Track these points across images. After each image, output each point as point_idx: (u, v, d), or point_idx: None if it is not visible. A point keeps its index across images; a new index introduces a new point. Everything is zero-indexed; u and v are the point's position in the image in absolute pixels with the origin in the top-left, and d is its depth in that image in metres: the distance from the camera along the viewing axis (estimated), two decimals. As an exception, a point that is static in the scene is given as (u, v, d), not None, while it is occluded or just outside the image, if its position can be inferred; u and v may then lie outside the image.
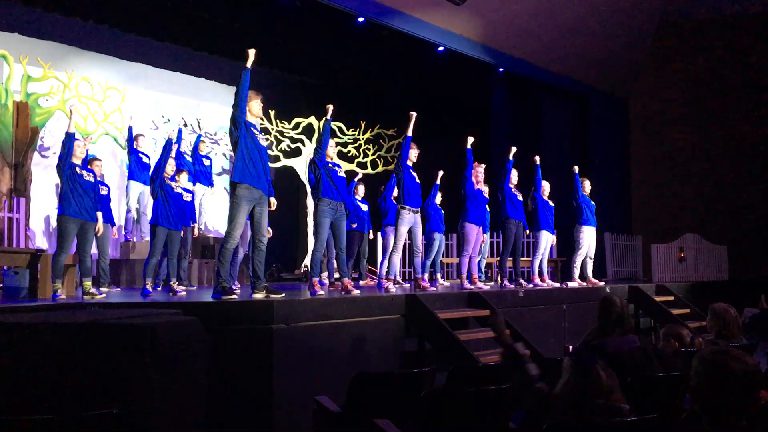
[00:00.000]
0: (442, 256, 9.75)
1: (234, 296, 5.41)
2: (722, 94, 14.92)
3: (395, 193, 8.42)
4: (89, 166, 6.96)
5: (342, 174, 6.85)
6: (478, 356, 5.89)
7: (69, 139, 6.41)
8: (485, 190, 8.63)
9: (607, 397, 2.71)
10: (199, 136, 10.24)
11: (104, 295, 6.40)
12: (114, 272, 8.80)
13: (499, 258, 9.17)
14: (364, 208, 9.27)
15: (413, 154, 7.61)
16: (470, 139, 8.11)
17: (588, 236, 9.25)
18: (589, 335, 4.08)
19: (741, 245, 13.72)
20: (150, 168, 9.00)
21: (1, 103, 9.26)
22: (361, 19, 10.18)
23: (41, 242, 9.69)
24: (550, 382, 3.00)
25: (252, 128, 5.66)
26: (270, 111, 12.22)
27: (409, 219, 7.36)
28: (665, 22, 14.92)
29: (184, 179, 8.15)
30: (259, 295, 5.55)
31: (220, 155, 12.43)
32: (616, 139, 15.16)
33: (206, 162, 10.19)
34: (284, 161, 12.66)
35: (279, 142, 12.58)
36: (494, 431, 3.27)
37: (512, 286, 8.49)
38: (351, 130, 13.23)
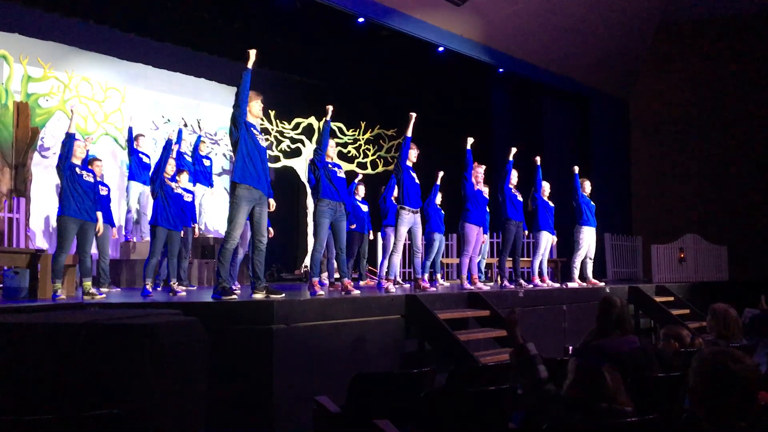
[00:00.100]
0: (442, 257, 9.76)
1: (234, 296, 5.41)
2: (722, 94, 14.93)
3: (395, 193, 8.43)
4: (89, 167, 6.96)
5: (342, 175, 6.86)
6: (478, 356, 5.89)
7: (69, 140, 6.42)
8: (485, 190, 8.63)
9: (613, 399, 2.70)
10: (199, 136, 10.25)
11: (104, 296, 6.40)
12: (114, 272, 8.80)
13: (498, 258, 9.17)
14: (364, 208, 9.27)
15: (413, 154, 7.61)
16: (470, 140, 8.11)
17: (588, 237, 9.25)
18: (589, 336, 4.08)
19: (741, 246, 13.72)
20: (150, 168, 9.00)
21: (1, 104, 9.27)
22: (361, 20, 10.18)
23: (41, 242, 9.69)
24: (557, 384, 2.99)
25: (252, 129, 5.66)
26: (270, 111, 12.22)
27: (409, 219, 7.37)
28: (665, 23, 14.93)
29: (184, 180, 8.16)
30: (259, 296, 5.55)
31: (220, 155, 12.43)
32: (616, 139, 15.17)
33: (206, 162, 10.19)
34: (284, 161, 12.66)
35: (279, 142, 12.58)
36: (494, 431, 3.27)
37: (512, 286, 8.49)
38: (351, 130, 13.23)
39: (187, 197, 8.22)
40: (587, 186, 9.39)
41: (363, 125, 13.26)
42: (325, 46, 11.18)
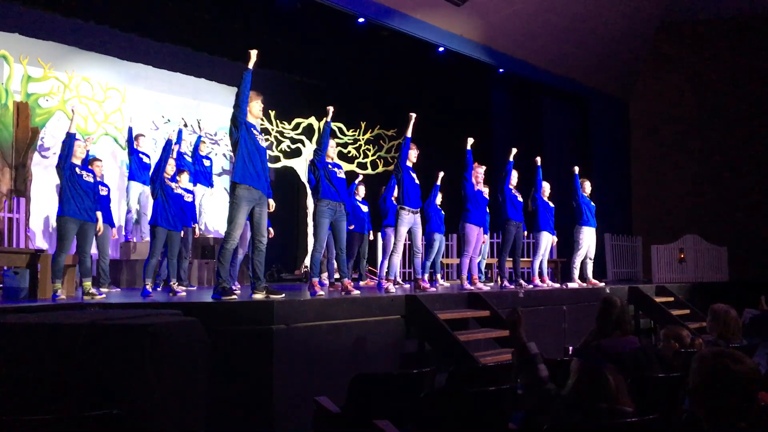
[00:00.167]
0: (442, 257, 9.76)
1: (234, 297, 5.41)
2: (722, 94, 14.93)
3: (395, 193, 8.43)
4: (89, 167, 6.97)
5: (342, 175, 6.86)
6: (478, 357, 5.89)
7: (69, 140, 6.42)
8: (485, 191, 8.63)
9: (615, 400, 2.70)
10: (200, 136, 10.25)
11: (104, 296, 6.40)
12: (114, 272, 8.80)
13: (498, 259, 9.17)
14: (364, 208, 9.27)
15: (413, 154, 7.62)
16: (470, 140, 8.11)
17: (588, 237, 9.25)
18: (589, 336, 4.08)
19: (741, 246, 13.73)
20: (150, 168, 9.00)
21: (1, 104, 9.27)
22: (361, 20, 10.18)
23: (41, 242, 9.68)
24: (558, 383, 2.99)
25: (252, 129, 5.66)
26: (270, 111, 12.22)
27: (409, 220, 7.37)
28: (665, 23, 14.94)
29: (185, 180, 8.15)
30: (259, 296, 5.55)
31: (220, 156, 12.43)
32: (616, 139, 15.17)
33: (206, 162, 10.19)
34: (284, 162, 12.66)
35: (279, 142, 12.58)
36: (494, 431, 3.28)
37: (512, 286, 8.49)
38: (351, 130, 13.23)
39: (187, 197, 8.22)
40: (587, 186, 9.39)
41: (363, 125, 13.26)
42: (325, 46, 11.18)
